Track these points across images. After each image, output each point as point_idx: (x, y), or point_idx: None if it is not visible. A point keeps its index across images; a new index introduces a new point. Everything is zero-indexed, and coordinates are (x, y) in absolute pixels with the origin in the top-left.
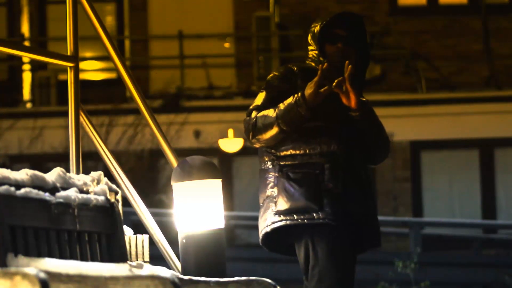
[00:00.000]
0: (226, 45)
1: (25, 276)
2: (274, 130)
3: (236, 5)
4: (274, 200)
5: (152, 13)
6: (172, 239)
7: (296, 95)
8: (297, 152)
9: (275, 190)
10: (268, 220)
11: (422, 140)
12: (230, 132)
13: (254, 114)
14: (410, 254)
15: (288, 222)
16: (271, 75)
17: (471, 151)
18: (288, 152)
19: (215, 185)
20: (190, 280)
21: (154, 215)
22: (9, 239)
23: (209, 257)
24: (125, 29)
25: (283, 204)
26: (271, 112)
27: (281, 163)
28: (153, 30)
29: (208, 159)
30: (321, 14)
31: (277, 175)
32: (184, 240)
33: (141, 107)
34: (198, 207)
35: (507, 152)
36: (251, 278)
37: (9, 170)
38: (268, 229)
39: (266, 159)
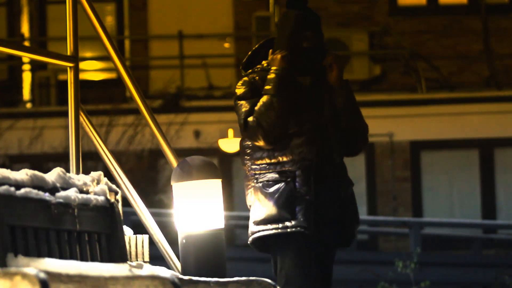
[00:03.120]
0: (226, 45)
1: (25, 276)
2: (274, 106)
3: (236, 5)
4: (252, 209)
5: (152, 13)
6: (172, 239)
7: (270, 71)
8: (272, 161)
9: (252, 199)
10: (249, 230)
11: (422, 140)
12: (230, 132)
13: (251, 117)
14: (410, 254)
15: (265, 232)
16: (237, 90)
17: (471, 151)
18: (264, 161)
19: (215, 185)
20: (190, 280)
21: (154, 215)
22: (9, 239)
23: (209, 257)
24: (125, 29)
25: (258, 214)
26: (262, 101)
27: (257, 172)
28: (153, 30)
29: (208, 159)
30: (321, 14)
31: (253, 184)
32: (184, 240)
33: (141, 107)
34: (198, 207)
35: (507, 152)
36: (251, 278)
37: (9, 170)
38: (250, 239)
39: (245, 168)
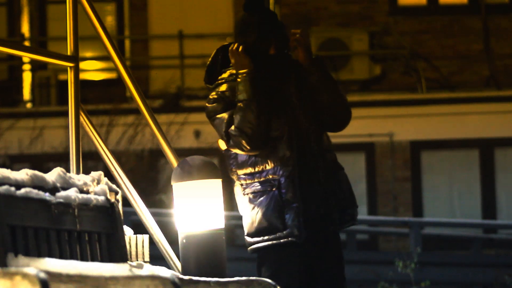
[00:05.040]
0: None
1: (25, 276)
2: (252, 110)
3: (236, 5)
4: (244, 220)
5: (152, 13)
6: (172, 239)
7: (238, 77)
8: (256, 169)
9: (242, 211)
10: (246, 241)
11: (422, 140)
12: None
13: (232, 127)
14: (410, 254)
15: (259, 244)
16: (210, 109)
17: (471, 151)
18: (248, 170)
19: (215, 185)
20: (190, 280)
21: (154, 215)
22: (9, 239)
23: (209, 257)
24: (125, 29)
25: (249, 226)
26: (239, 108)
27: (242, 182)
28: (153, 30)
29: (208, 159)
30: (321, 14)
31: (241, 195)
32: (184, 240)
33: (141, 107)
34: (198, 207)
35: (507, 152)
36: (251, 278)
37: (9, 170)
38: (248, 250)
39: (233, 177)
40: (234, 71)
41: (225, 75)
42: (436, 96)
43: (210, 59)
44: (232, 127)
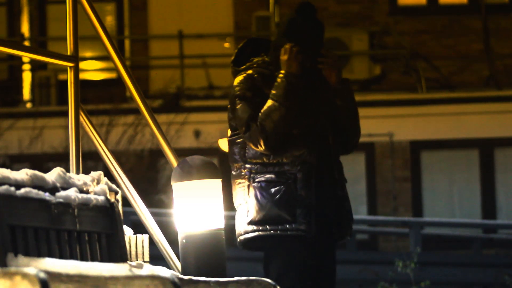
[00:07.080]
0: (226, 45)
1: (25, 276)
2: (281, 114)
3: (236, 5)
4: (246, 208)
5: (152, 13)
6: (172, 239)
7: (280, 75)
8: (270, 161)
9: (247, 198)
10: (241, 228)
11: (422, 140)
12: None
13: (255, 122)
14: (410, 254)
15: (260, 232)
16: (237, 88)
17: (471, 151)
18: (260, 161)
19: (215, 185)
20: (190, 280)
21: (154, 215)
22: (9, 239)
23: (209, 257)
24: (125, 29)
25: (255, 213)
26: (268, 106)
27: (253, 171)
28: (153, 30)
29: (208, 159)
30: (321, 14)
31: (248, 183)
32: (184, 240)
33: (141, 107)
34: (198, 207)
35: (507, 152)
36: (251, 278)
37: (9, 170)
38: (242, 238)
39: (237, 165)
40: (267, 59)
41: (256, 60)
42: (436, 96)
43: (240, 45)
44: (254, 123)
